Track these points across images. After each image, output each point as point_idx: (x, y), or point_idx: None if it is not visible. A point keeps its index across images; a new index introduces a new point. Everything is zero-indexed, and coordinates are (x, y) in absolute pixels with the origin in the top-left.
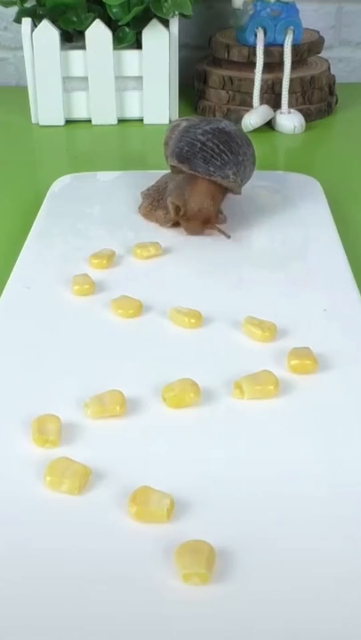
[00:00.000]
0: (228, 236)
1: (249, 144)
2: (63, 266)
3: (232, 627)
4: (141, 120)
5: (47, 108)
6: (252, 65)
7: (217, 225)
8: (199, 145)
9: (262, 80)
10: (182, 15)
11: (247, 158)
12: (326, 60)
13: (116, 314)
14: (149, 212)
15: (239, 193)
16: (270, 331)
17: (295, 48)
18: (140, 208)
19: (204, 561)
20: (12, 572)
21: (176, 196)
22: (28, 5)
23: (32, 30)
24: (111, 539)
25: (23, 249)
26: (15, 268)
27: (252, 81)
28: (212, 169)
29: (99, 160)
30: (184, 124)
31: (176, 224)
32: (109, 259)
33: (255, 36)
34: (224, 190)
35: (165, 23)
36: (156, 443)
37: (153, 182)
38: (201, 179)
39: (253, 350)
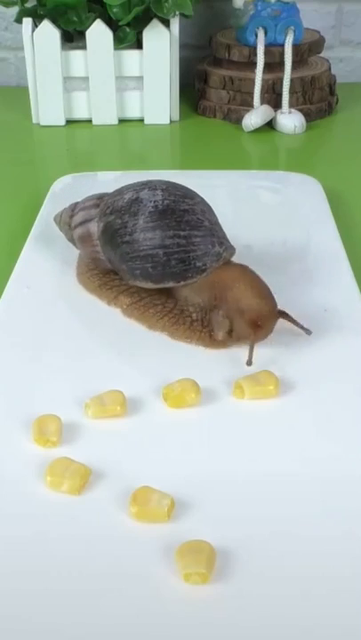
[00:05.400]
0: (309, 332)
1: (191, 194)
2: (63, 266)
3: (232, 626)
4: (142, 120)
5: (48, 108)
6: (253, 65)
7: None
8: (160, 252)
9: (263, 80)
10: (183, 15)
11: (207, 210)
12: (327, 60)
13: (116, 313)
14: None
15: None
16: None
17: (296, 48)
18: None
19: (205, 561)
20: (13, 572)
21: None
22: (28, 5)
23: (33, 30)
24: (111, 539)
25: (23, 249)
26: (15, 268)
27: (252, 81)
28: (199, 264)
29: (99, 160)
30: (97, 224)
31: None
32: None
33: (256, 35)
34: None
35: (166, 23)
36: (156, 443)
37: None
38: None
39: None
